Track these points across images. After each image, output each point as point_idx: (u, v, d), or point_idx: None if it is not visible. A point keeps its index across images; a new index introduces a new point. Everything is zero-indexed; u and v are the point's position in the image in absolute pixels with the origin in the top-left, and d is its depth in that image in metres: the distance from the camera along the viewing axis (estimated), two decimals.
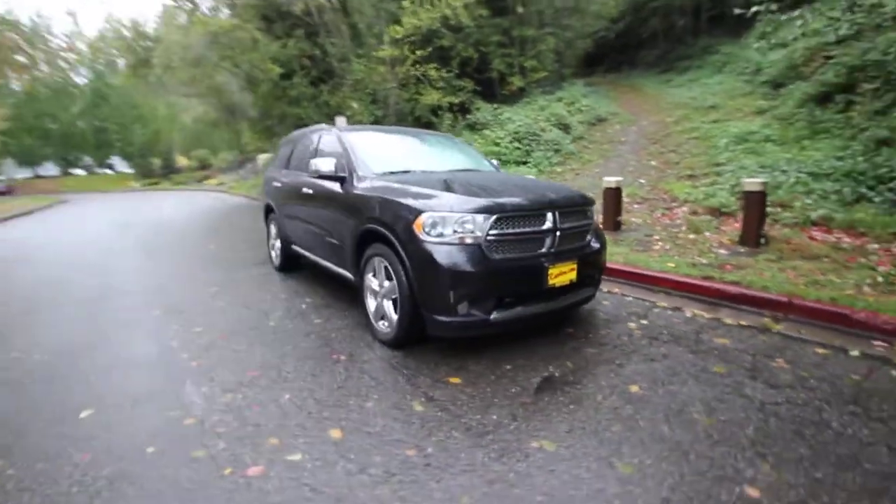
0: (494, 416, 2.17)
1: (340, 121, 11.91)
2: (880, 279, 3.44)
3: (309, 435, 2.07)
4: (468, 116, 14.51)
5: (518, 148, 11.96)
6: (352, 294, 4.37)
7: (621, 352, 2.88)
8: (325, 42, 13.75)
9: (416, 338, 2.91)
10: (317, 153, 4.38)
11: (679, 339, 3.06)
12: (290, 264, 5.26)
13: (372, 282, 3.20)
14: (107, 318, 3.91)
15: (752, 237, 4.65)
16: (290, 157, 5.11)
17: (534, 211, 2.82)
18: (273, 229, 5.46)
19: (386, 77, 13.52)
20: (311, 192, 4.14)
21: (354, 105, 12.90)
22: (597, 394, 2.37)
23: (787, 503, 1.62)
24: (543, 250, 2.84)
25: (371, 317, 3.24)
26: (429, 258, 2.65)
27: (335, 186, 3.71)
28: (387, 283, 3.01)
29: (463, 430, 2.07)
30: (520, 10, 15.89)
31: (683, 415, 2.17)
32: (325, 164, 3.61)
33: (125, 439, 2.10)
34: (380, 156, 3.75)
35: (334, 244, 3.72)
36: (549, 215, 2.85)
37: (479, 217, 2.64)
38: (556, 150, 11.94)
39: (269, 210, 5.58)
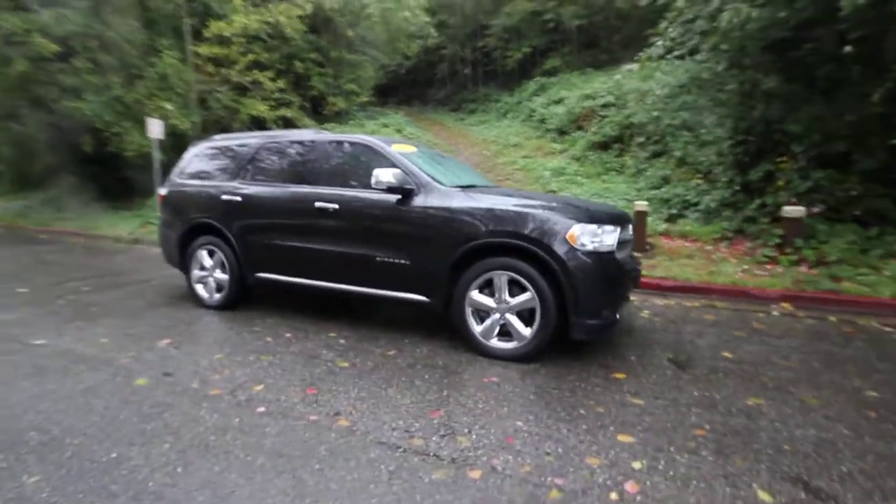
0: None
1: (154, 124, 9.76)
2: (745, 266, 5.26)
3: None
4: None
5: None
6: (391, 317, 3.98)
7: (660, 337, 3.63)
8: (114, 21, 10.94)
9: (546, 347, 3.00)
10: (313, 159, 3.82)
11: (689, 314, 4.03)
12: (240, 297, 4.26)
13: (484, 299, 3.09)
14: None
15: (642, 245, 6.21)
16: (245, 167, 4.18)
17: (627, 223, 3.32)
18: (205, 257, 4.29)
19: (208, 79, 11.63)
20: (335, 207, 3.57)
21: (168, 106, 10.62)
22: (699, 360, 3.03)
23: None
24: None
25: (479, 335, 3.11)
26: (585, 267, 2.84)
27: (389, 199, 3.37)
28: (514, 299, 2.99)
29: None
30: (349, 33, 16.00)
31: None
32: (387, 176, 3.26)
33: None
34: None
35: (394, 264, 3.35)
36: (630, 227, 3.41)
37: (612, 228, 2.99)
38: None
39: (196, 231, 4.36)
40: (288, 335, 3.57)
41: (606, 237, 2.93)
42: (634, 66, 7.08)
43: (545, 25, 21.59)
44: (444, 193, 3.30)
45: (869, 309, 4.13)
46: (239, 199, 4.08)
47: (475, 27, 23.96)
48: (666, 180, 9.03)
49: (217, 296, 4.32)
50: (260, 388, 2.64)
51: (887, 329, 3.68)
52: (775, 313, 4.19)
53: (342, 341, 3.42)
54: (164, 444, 2.06)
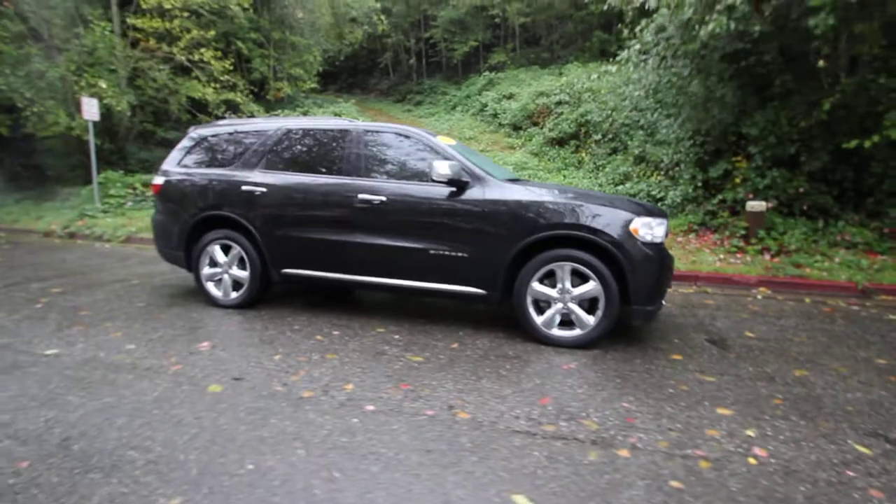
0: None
1: (90, 104, 8.77)
2: (721, 256, 5.87)
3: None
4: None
5: None
6: (442, 311, 3.95)
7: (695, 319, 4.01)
8: None
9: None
10: (351, 149, 3.70)
11: (691, 300, 4.45)
12: (260, 296, 4.03)
13: (545, 289, 3.21)
14: None
15: None
16: (266, 155, 3.94)
17: (666, 217, 3.62)
18: (219, 253, 3.99)
19: (148, 56, 10.50)
20: (382, 199, 3.49)
21: (103, 84, 9.48)
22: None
23: None
24: None
25: (541, 325, 3.24)
26: (645, 257, 3.07)
27: (440, 191, 3.38)
28: (576, 289, 3.15)
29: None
30: (300, 14, 15.19)
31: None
32: (445, 168, 3.26)
33: None
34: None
35: (450, 257, 3.36)
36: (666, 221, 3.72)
37: (661, 221, 3.24)
38: None
39: (206, 225, 4.03)
40: (336, 332, 3.45)
41: (658, 229, 3.18)
42: (612, 68, 7.49)
43: (490, 20, 22.01)
44: (501, 186, 3.37)
45: (831, 291, 4.83)
46: (264, 189, 3.84)
47: (419, 17, 23.79)
48: (626, 176, 9.71)
49: (234, 294, 4.03)
50: (350, 387, 2.56)
51: (854, 308, 4.34)
52: (759, 297, 4.76)
53: (396, 336, 3.38)
54: (298, 451, 1.96)
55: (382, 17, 18.52)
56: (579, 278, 3.17)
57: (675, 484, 1.78)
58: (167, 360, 2.91)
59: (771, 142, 6.34)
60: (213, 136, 4.25)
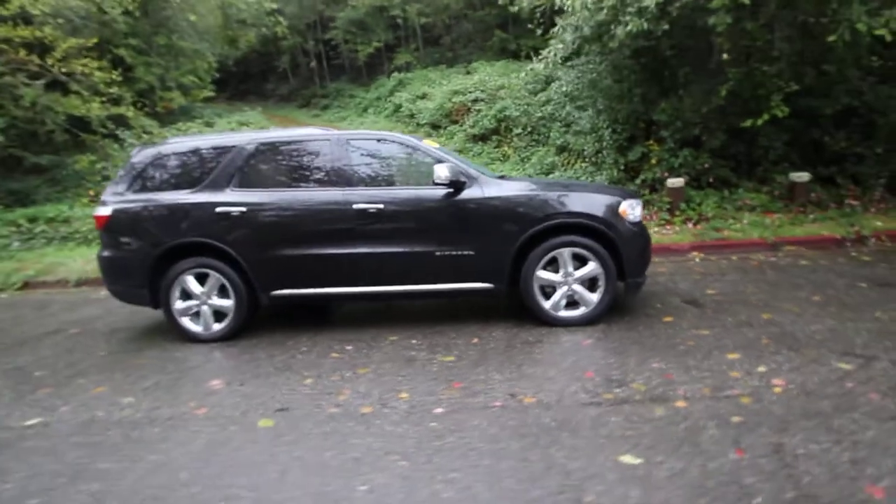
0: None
1: None
2: (655, 228, 6.61)
3: None
4: (140, 134, 11.46)
5: None
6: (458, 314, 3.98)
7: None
8: None
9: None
10: (335, 159, 3.61)
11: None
12: (247, 323, 3.78)
13: (550, 275, 3.44)
14: None
15: None
16: (236, 173, 3.67)
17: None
18: (193, 283, 3.66)
19: (7, 70, 8.98)
20: (379, 206, 3.46)
21: None
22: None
23: None
24: None
25: (549, 309, 3.46)
26: (636, 235, 3.45)
27: (438, 193, 3.46)
28: (580, 271, 3.42)
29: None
30: (192, 16, 13.94)
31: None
32: (444, 171, 3.34)
33: None
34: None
35: (457, 256, 3.46)
36: None
37: (638, 202, 3.63)
38: None
39: (174, 255, 3.66)
40: (349, 347, 3.38)
41: (637, 209, 3.58)
42: (539, 66, 7.98)
43: (391, 21, 22.00)
44: (497, 184, 3.54)
45: (748, 248, 5.71)
46: (242, 209, 3.59)
47: (316, 18, 23.03)
48: (553, 166, 10.42)
49: (218, 326, 3.73)
50: (405, 395, 2.57)
51: (772, 259, 5.19)
52: (697, 260, 5.48)
53: (413, 342, 3.40)
54: (400, 463, 1.96)
55: (281, 19, 17.62)
56: (578, 261, 3.46)
57: (735, 419, 2.10)
58: (185, 405, 2.65)
59: (678, 126, 7.26)
60: (166, 156, 3.86)
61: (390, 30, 22.47)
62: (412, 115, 16.61)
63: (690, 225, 6.61)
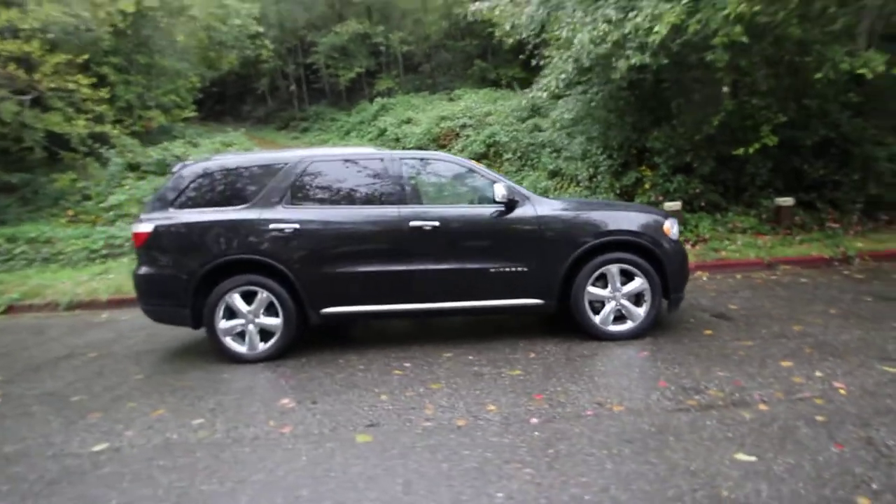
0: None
1: None
2: None
3: None
4: (124, 153, 11.10)
5: None
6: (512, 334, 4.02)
7: None
8: None
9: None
10: (388, 177, 3.68)
11: None
12: (295, 342, 3.72)
13: (599, 291, 3.58)
14: None
15: None
16: (288, 190, 3.67)
17: None
18: (239, 302, 3.58)
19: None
20: (435, 224, 3.54)
21: None
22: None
23: None
24: None
25: (599, 323, 3.59)
26: (676, 253, 3.66)
27: (490, 212, 3.57)
28: (627, 287, 3.58)
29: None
30: (181, 37, 13.77)
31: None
32: (502, 190, 3.49)
33: None
34: None
35: (511, 272, 3.56)
36: None
37: (675, 221, 3.86)
38: None
39: (220, 273, 3.59)
40: (408, 364, 3.39)
41: (675, 228, 3.80)
42: (544, 94, 8.34)
43: (373, 48, 22.42)
44: (547, 203, 3.72)
45: (747, 267, 6.09)
46: (296, 226, 3.58)
47: (297, 43, 23.16)
48: (546, 190, 10.78)
49: (264, 345, 3.65)
50: (493, 407, 2.62)
51: (773, 277, 5.55)
52: (705, 279, 5.80)
53: (471, 357, 3.44)
54: (525, 471, 2.00)
55: (267, 43, 17.64)
56: (625, 277, 3.63)
57: (820, 418, 2.27)
58: (264, 425, 2.59)
59: (671, 153, 7.74)
60: (213, 172, 3.81)
61: (372, 56, 22.90)
62: (398, 139, 16.80)
63: (690, 246, 6.98)
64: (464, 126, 14.33)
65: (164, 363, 3.79)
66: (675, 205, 7.29)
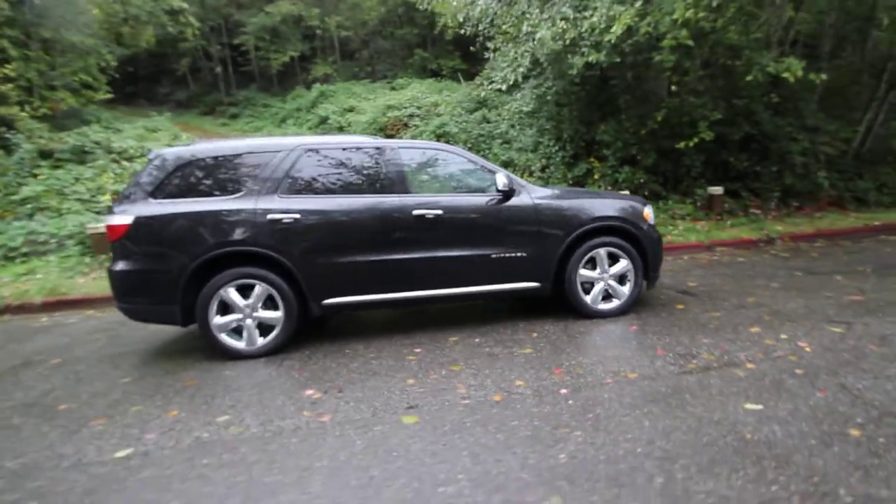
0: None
1: None
2: None
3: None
4: (33, 138, 9.86)
5: None
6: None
7: None
8: None
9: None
10: (388, 166, 3.71)
11: None
12: (294, 335, 3.64)
13: (588, 273, 3.86)
14: None
15: None
16: (283, 179, 3.56)
17: None
18: (235, 296, 3.44)
19: None
20: (438, 213, 3.62)
21: None
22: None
23: None
24: None
25: (589, 300, 3.88)
26: (655, 237, 4.04)
27: (490, 200, 3.72)
28: (613, 268, 3.89)
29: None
30: (95, 11, 12.30)
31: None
32: (503, 179, 3.64)
33: None
34: None
35: (512, 258, 3.74)
36: None
37: (650, 207, 4.24)
38: None
39: (212, 266, 3.41)
40: (418, 350, 3.46)
41: (651, 214, 4.19)
42: (503, 87, 8.57)
43: (307, 31, 21.46)
44: (541, 191, 3.92)
45: (691, 250, 6.78)
46: (296, 216, 3.48)
47: (221, 21, 21.57)
48: None
49: (263, 340, 3.53)
50: (521, 382, 2.79)
51: (715, 258, 6.25)
52: None
53: (477, 340, 3.59)
54: (627, 430, 2.18)
55: (191, 19, 16.24)
56: (611, 259, 3.95)
57: (799, 371, 2.70)
58: (299, 416, 2.56)
59: (619, 146, 8.35)
60: (199, 160, 3.58)
61: (306, 40, 21.93)
62: (342, 128, 16.39)
63: None
64: (411, 116, 14.29)
65: (148, 364, 3.54)
66: (624, 194, 7.89)
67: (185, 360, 3.56)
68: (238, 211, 3.46)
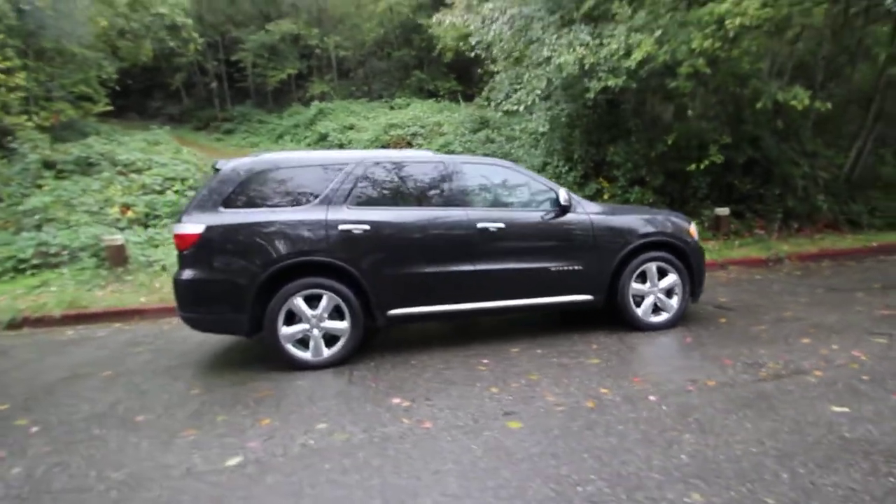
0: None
1: None
2: None
3: None
4: (36, 149, 9.63)
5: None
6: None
7: None
8: None
9: None
10: (452, 181, 3.82)
11: None
12: (360, 346, 3.66)
13: (639, 286, 4.01)
14: None
15: None
16: (351, 190, 3.62)
17: None
18: (303, 306, 3.45)
19: None
20: (501, 226, 3.72)
21: None
22: None
23: None
24: None
25: (640, 314, 4.01)
26: (699, 252, 4.23)
27: (546, 215, 3.86)
28: (662, 282, 4.05)
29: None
30: (104, 22, 12.24)
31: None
32: (564, 194, 3.79)
33: None
34: None
35: (569, 271, 3.86)
36: None
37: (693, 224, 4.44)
38: None
39: (282, 276, 3.42)
40: (486, 360, 3.51)
41: (695, 231, 4.38)
42: (520, 108, 8.81)
43: (305, 50, 21.67)
44: (593, 206, 4.07)
45: (707, 268, 7.01)
46: (366, 227, 3.54)
47: (217, 38, 21.60)
48: None
49: (329, 351, 3.54)
50: (605, 390, 2.87)
51: (732, 275, 6.50)
52: None
53: (539, 351, 3.66)
54: (733, 431, 2.27)
55: (195, 35, 16.25)
56: (659, 273, 4.11)
57: (865, 377, 2.86)
58: (400, 422, 2.58)
59: (629, 167, 8.67)
60: (269, 171, 3.62)
61: (303, 59, 22.13)
62: (342, 146, 16.47)
63: None
64: (414, 135, 14.53)
65: (210, 376, 3.48)
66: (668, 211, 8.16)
67: (247, 371, 3.53)
68: (311, 221, 3.50)
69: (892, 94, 8.42)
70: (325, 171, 3.70)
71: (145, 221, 8.59)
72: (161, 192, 9.36)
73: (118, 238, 6.89)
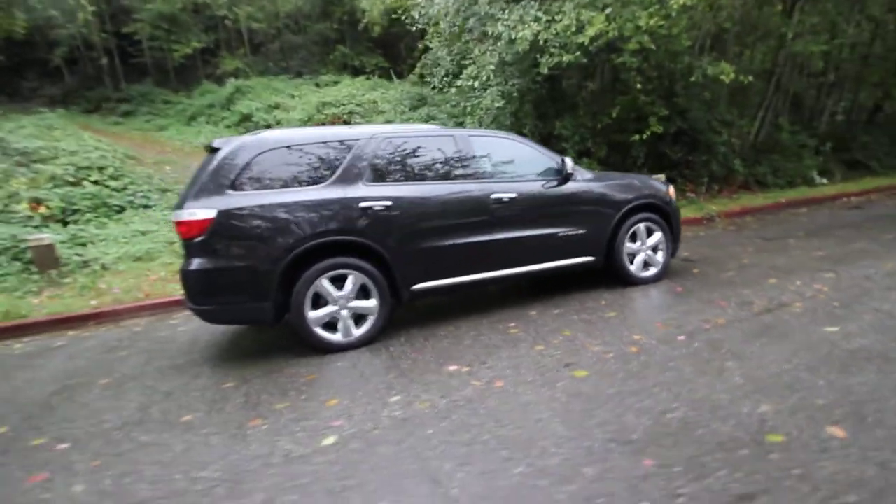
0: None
1: None
2: None
3: None
4: None
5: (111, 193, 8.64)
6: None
7: None
8: None
9: None
10: (462, 153, 3.89)
11: None
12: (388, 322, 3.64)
13: (631, 245, 4.37)
14: None
15: None
16: (366, 167, 3.53)
17: None
18: (329, 288, 3.36)
19: None
20: (513, 196, 3.85)
21: None
22: None
23: None
24: None
25: (633, 270, 4.40)
26: (678, 212, 4.67)
27: (550, 183, 4.06)
28: (650, 240, 4.45)
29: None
30: None
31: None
32: (570, 163, 4.01)
33: None
34: None
35: (574, 235, 4.11)
36: None
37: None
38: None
39: (305, 259, 3.28)
40: (512, 324, 3.67)
41: (672, 192, 4.84)
42: (475, 84, 8.84)
43: (210, 22, 19.72)
44: (587, 174, 4.35)
45: None
46: (388, 202, 3.48)
47: (105, 7, 18.88)
48: None
49: (358, 331, 3.48)
50: (638, 336, 3.16)
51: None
52: None
53: (556, 311, 3.90)
54: (771, 360, 2.61)
55: (84, 3, 14.04)
56: (647, 232, 4.51)
57: (836, 304, 3.45)
58: (468, 388, 2.67)
59: (576, 139, 9.18)
60: (274, 150, 3.39)
61: (209, 31, 20.14)
62: (269, 126, 15.42)
63: None
64: (351, 113, 14.03)
65: (234, 369, 3.27)
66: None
67: (278, 358, 3.37)
68: (331, 200, 3.37)
69: (786, 70, 9.72)
70: (335, 148, 3.55)
71: (63, 218, 7.54)
72: (76, 184, 8.23)
73: (45, 237, 6.02)
